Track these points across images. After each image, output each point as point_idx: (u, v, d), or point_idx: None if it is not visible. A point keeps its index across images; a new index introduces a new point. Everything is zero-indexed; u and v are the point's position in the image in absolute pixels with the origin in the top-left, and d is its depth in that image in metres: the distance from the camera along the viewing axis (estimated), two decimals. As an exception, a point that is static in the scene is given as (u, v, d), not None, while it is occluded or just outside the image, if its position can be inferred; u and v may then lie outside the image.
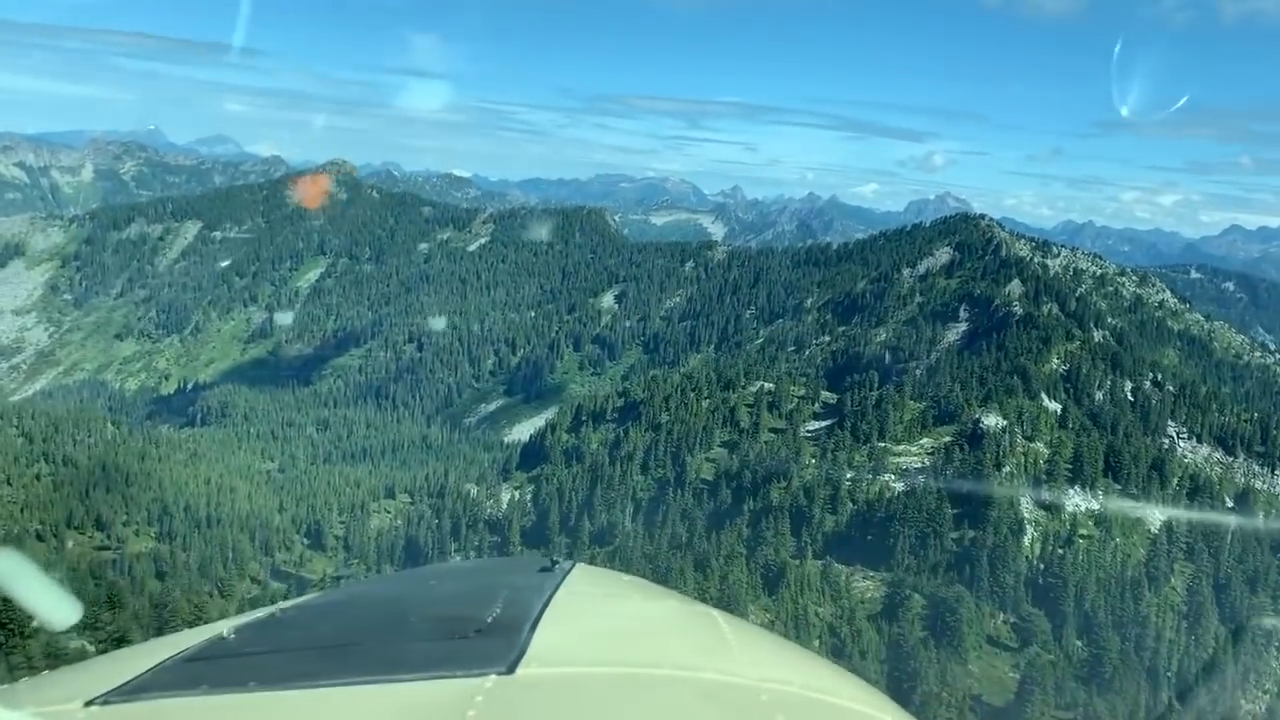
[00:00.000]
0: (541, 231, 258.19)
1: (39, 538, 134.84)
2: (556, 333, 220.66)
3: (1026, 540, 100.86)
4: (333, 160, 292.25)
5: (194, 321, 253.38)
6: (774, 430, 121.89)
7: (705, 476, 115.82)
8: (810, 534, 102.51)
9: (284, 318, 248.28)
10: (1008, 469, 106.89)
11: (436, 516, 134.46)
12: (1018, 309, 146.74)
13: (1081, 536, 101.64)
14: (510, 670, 1.99)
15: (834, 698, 2.20)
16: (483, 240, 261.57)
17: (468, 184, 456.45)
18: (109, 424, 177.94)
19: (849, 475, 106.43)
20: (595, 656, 2.21)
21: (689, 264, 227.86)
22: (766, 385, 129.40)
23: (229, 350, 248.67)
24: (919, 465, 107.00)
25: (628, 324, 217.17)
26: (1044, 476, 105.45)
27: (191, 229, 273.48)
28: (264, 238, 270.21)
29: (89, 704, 1.95)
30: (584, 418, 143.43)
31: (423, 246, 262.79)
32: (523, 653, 2.07)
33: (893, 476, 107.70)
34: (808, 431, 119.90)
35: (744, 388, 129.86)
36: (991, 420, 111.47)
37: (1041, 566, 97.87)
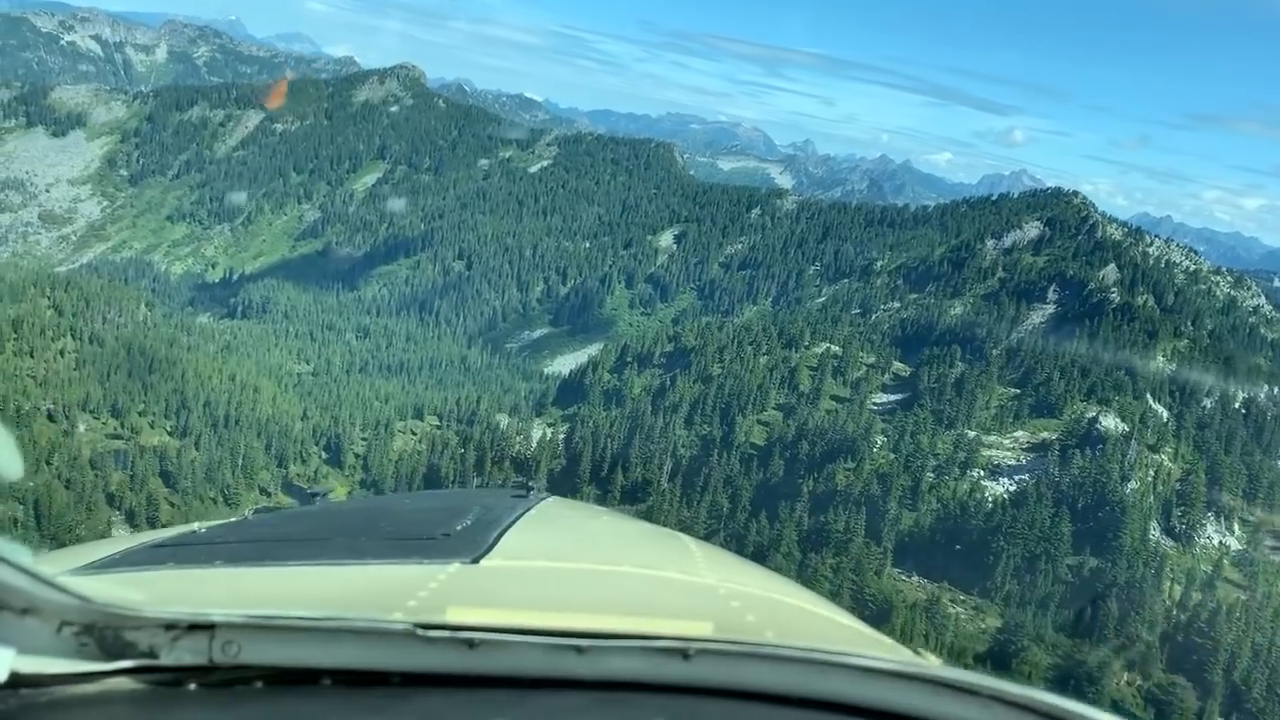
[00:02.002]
0: (606, 160, 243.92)
1: (50, 417, 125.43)
2: (610, 266, 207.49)
3: (1166, 582, 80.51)
4: (401, 64, 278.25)
5: (246, 212, 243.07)
6: (836, 399, 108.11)
7: (755, 440, 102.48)
8: (884, 533, 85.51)
9: (335, 219, 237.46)
10: (1134, 485, 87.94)
11: (463, 445, 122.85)
12: (1115, 296, 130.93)
13: (1227, 580, 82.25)
14: (474, 562, 1.99)
15: (792, 600, 2.19)
16: (545, 163, 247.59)
17: (537, 106, 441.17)
18: (142, 305, 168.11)
19: (931, 465, 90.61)
20: (559, 554, 2.22)
21: (755, 211, 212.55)
22: (833, 348, 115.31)
23: (278, 245, 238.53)
24: (1013, 462, 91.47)
25: (684, 266, 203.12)
26: (1175, 499, 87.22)
27: (253, 118, 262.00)
28: (325, 135, 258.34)
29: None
30: (629, 359, 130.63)
31: (483, 162, 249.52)
32: (489, 550, 2.06)
33: (983, 472, 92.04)
34: (875, 405, 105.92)
35: (808, 348, 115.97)
36: (1110, 422, 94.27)
37: (1181, 617, 76.81)
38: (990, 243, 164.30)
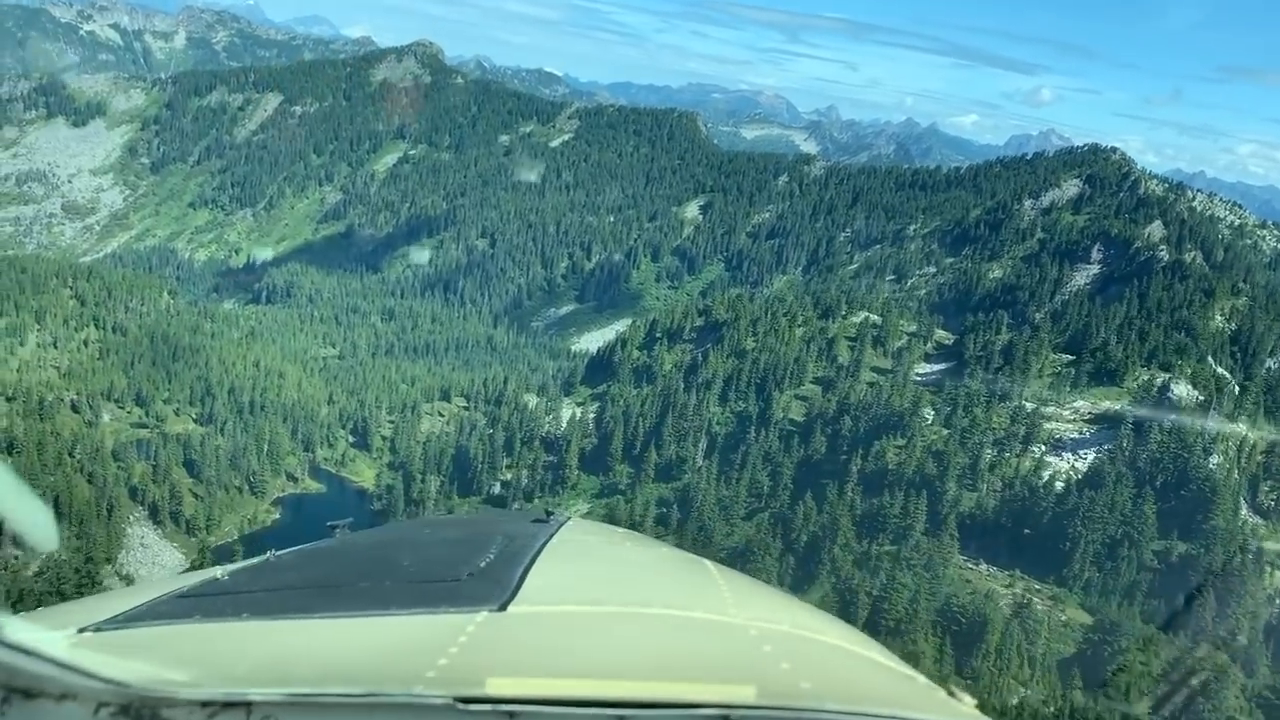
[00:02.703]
0: (628, 133, 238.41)
1: (74, 408, 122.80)
2: (635, 240, 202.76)
3: (1267, 576, 70.73)
4: (418, 40, 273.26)
5: (268, 196, 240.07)
6: (877, 370, 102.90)
7: (794, 417, 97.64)
8: (944, 517, 78.01)
9: (357, 201, 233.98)
10: (1217, 458, 78.53)
11: (491, 426, 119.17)
12: (1163, 254, 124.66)
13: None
14: (502, 609, 1.97)
15: (821, 635, 2.19)
16: (566, 136, 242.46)
17: (557, 81, 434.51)
18: (165, 293, 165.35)
19: (989, 440, 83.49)
20: (586, 597, 2.19)
21: (782, 178, 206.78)
22: (872, 317, 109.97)
23: (301, 229, 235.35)
24: (1076, 435, 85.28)
25: (711, 237, 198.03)
26: (1261, 472, 78.18)
27: (272, 101, 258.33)
28: (344, 116, 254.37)
29: (82, 630, 1.93)
30: (659, 334, 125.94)
31: (504, 138, 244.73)
32: (515, 593, 2.04)
33: (1044, 447, 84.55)
34: (918, 375, 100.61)
35: (845, 317, 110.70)
36: (1182, 390, 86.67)
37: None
38: (1028, 203, 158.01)
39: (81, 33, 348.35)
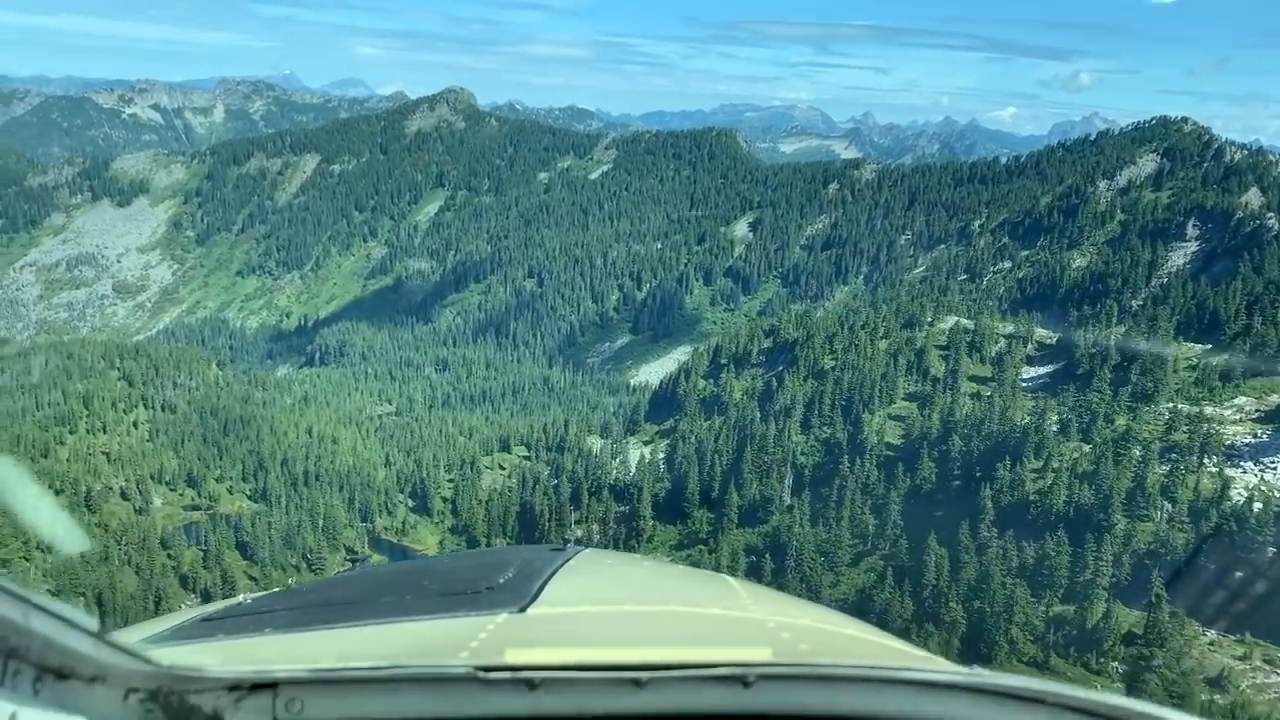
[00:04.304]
0: (667, 157, 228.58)
1: (123, 495, 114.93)
2: (685, 264, 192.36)
3: None
4: (450, 87, 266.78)
5: (314, 257, 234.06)
6: (976, 379, 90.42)
7: (891, 440, 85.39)
8: (1120, 558, 61.51)
9: (403, 253, 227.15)
10: None
11: (555, 477, 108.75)
12: (1274, 222, 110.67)
13: None
14: (522, 610, 1.97)
15: (839, 628, 2.17)
16: (605, 167, 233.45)
17: (590, 116, 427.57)
18: (213, 365, 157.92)
19: (1153, 455, 66.85)
20: (603, 599, 2.21)
21: (832, 186, 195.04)
22: (962, 321, 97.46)
23: (349, 286, 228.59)
24: (1251, 439, 69.92)
25: (764, 254, 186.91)
26: None
27: (310, 162, 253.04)
28: (382, 170, 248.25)
29: None
30: (724, 360, 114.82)
31: (543, 176, 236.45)
32: (534, 599, 2.05)
33: (1218, 458, 68.15)
34: (1025, 381, 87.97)
35: (931, 325, 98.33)
36: None
37: None
38: (1103, 184, 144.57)
39: (124, 116, 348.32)
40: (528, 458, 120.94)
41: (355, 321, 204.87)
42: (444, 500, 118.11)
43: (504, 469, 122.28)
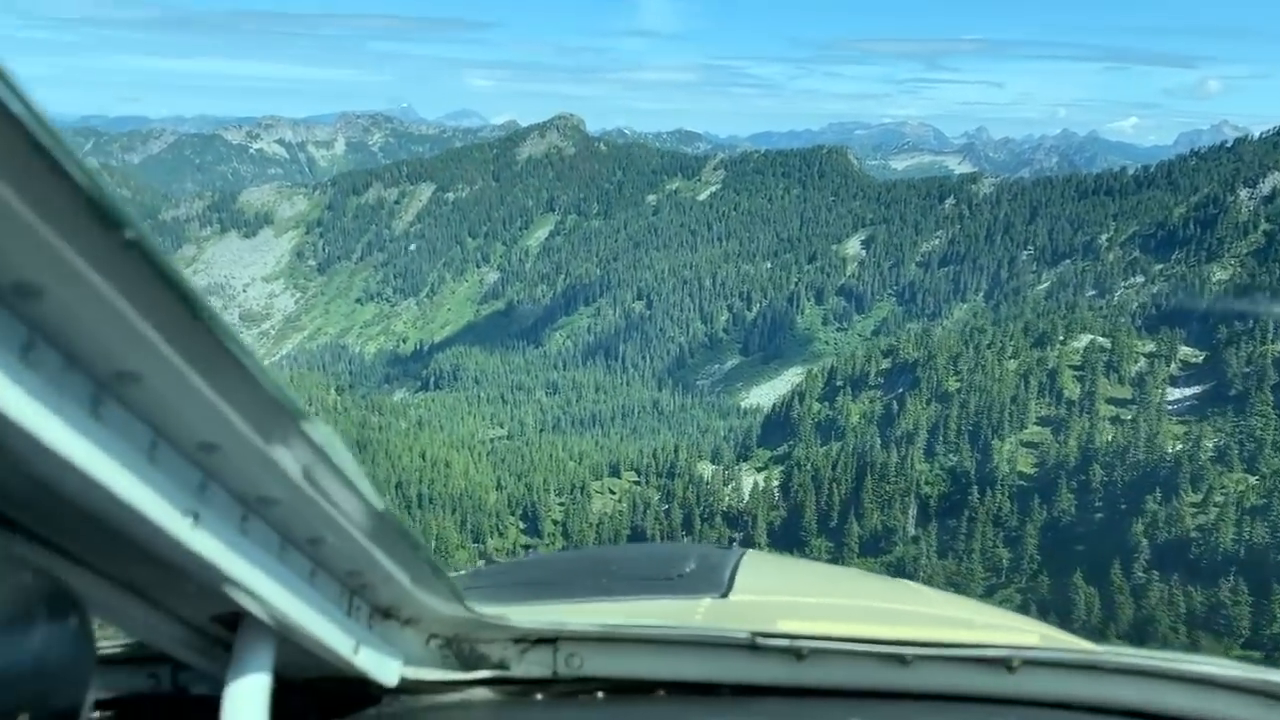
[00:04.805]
0: (776, 176, 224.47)
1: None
2: (796, 284, 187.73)
3: None
4: (560, 114, 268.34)
5: (429, 284, 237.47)
6: (1115, 402, 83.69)
7: (1024, 469, 79.50)
8: None
9: (514, 278, 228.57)
10: None
11: (666, 502, 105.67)
12: None
13: None
14: (724, 595, 2.00)
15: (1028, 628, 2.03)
16: (714, 188, 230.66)
17: (697, 139, 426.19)
18: (331, 390, 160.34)
19: None
20: (802, 590, 2.22)
21: (948, 201, 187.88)
22: (1098, 340, 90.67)
23: (463, 311, 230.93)
24: None
25: (877, 272, 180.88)
26: None
27: (426, 191, 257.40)
28: (494, 197, 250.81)
29: None
30: (839, 382, 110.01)
31: (651, 198, 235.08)
32: (730, 586, 2.06)
33: None
34: (1170, 404, 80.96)
35: (1064, 343, 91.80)
36: None
37: None
38: (1244, 192, 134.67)
39: (251, 151, 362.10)
40: (638, 483, 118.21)
41: (468, 346, 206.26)
42: (554, 524, 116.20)
43: (614, 493, 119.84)
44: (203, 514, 0.89)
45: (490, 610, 1.55)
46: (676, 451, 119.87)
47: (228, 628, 1.17)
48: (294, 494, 0.95)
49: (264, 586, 1.03)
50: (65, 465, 0.73)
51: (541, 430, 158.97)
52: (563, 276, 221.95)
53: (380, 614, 1.39)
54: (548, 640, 1.54)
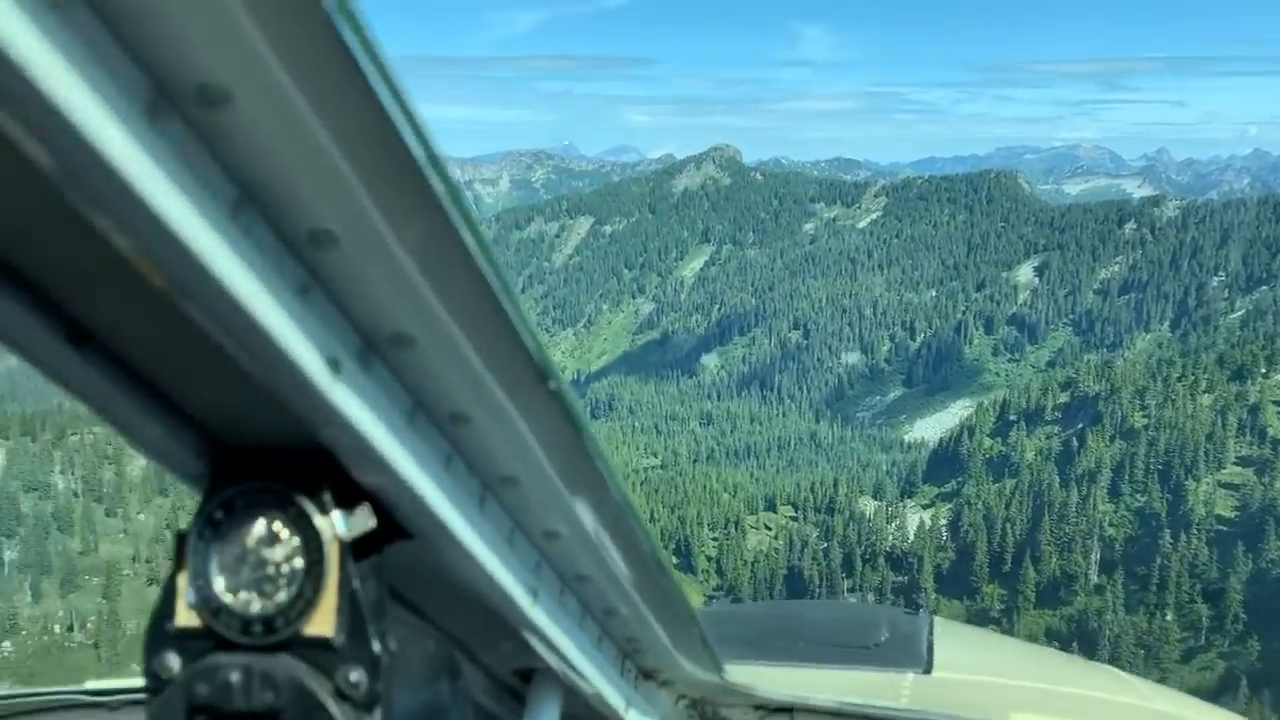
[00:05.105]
0: (941, 202, 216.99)
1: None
2: (963, 313, 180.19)
3: None
4: (715, 145, 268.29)
5: (587, 315, 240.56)
6: (1331, 441, 75.45)
7: (1222, 513, 72.36)
8: None
9: (669, 308, 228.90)
10: None
11: (825, 539, 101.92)
12: None
13: None
14: (926, 671, 2.01)
15: None
16: (874, 215, 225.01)
17: (857, 166, 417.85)
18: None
19: None
20: (1003, 671, 2.23)
21: (1128, 226, 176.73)
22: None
23: (619, 341, 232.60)
24: None
25: (1051, 300, 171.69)
26: None
27: (584, 224, 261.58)
28: (650, 229, 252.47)
29: None
30: (1012, 416, 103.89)
31: (808, 226, 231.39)
32: (930, 661, 2.06)
33: None
34: (1400, 445, 72.33)
35: (1266, 376, 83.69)
36: None
37: None
38: None
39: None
40: (795, 518, 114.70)
41: (624, 376, 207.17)
42: (708, 559, 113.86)
43: (769, 529, 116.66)
44: (539, 590, 1.03)
45: (739, 678, 1.57)
46: (836, 486, 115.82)
47: (522, 679, 1.30)
48: (603, 573, 1.09)
49: (567, 649, 1.16)
50: (460, 549, 0.87)
51: (695, 461, 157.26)
52: (717, 306, 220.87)
53: (644, 675, 1.46)
54: (785, 710, 1.56)
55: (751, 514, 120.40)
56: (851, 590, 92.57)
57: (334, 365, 0.70)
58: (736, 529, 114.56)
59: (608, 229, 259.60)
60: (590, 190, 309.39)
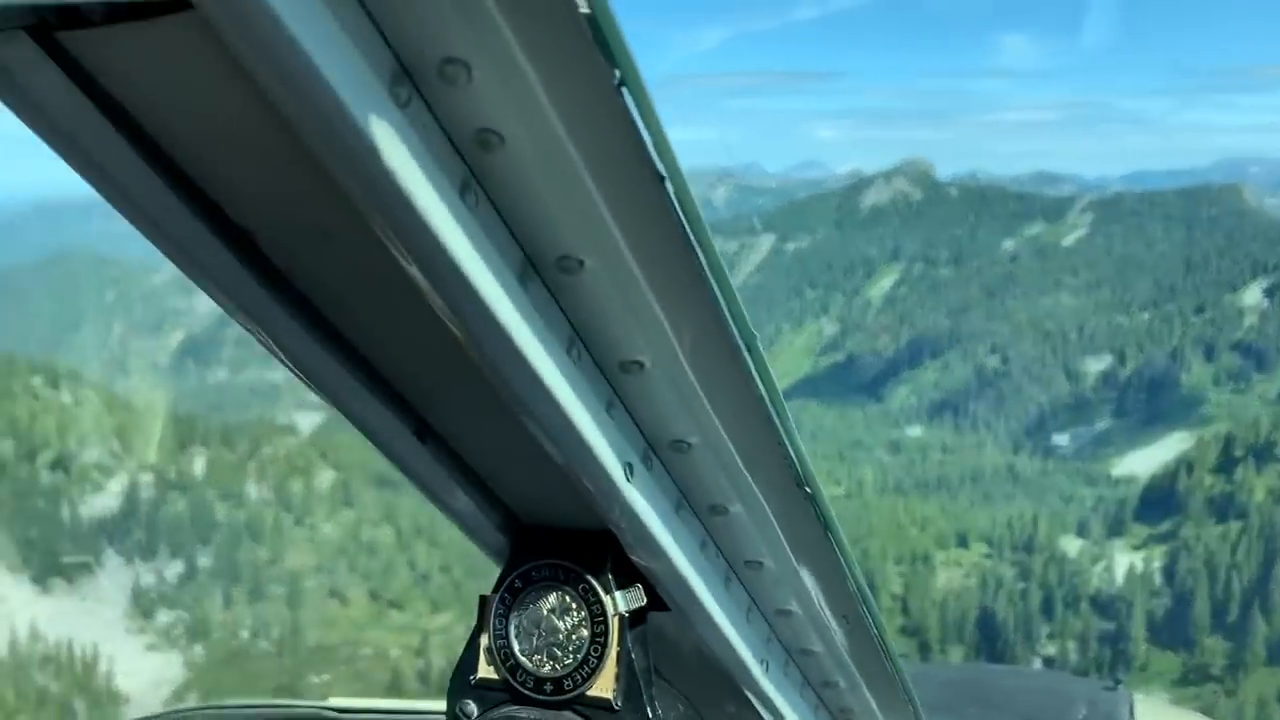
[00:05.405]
0: (1155, 217, 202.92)
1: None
2: (1180, 338, 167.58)
3: None
4: (906, 159, 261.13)
5: (767, 335, 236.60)
6: None
7: None
8: None
9: (855, 330, 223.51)
10: None
11: (1022, 580, 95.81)
12: None
13: None
14: None
15: None
16: (1080, 232, 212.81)
17: (1061, 180, 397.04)
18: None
19: None
20: None
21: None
22: None
23: (800, 363, 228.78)
24: None
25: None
26: None
27: (765, 242, 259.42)
28: (835, 246, 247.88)
29: None
30: (1238, 452, 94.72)
31: (1007, 244, 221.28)
32: None
33: None
34: None
35: None
36: None
37: None
38: None
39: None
40: (989, 556, 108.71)
41: (805, 399, 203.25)
42: (892, 597, 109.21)
43: (961, 567, 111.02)
44: (769, 662, 1.15)
45: None
46: (1035, 523, 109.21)
47: None
48: (828, 649, 1.18)
49: (788, 716, 1.25)
50: (707, 621, 1.03)
51: (881, 492, 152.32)
52: (907, 328, 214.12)
53: None
54: None
55: (941, 550, 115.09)
56: (1051, 637, 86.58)
57: (629, 469, 0.87)
58: (925, 565, 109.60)
59: (790, 246, 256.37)
60: (773, 207, 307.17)
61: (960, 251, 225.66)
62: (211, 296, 0.79)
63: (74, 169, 0.70)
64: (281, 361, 0.86)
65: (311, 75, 0.53)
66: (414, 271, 0.66)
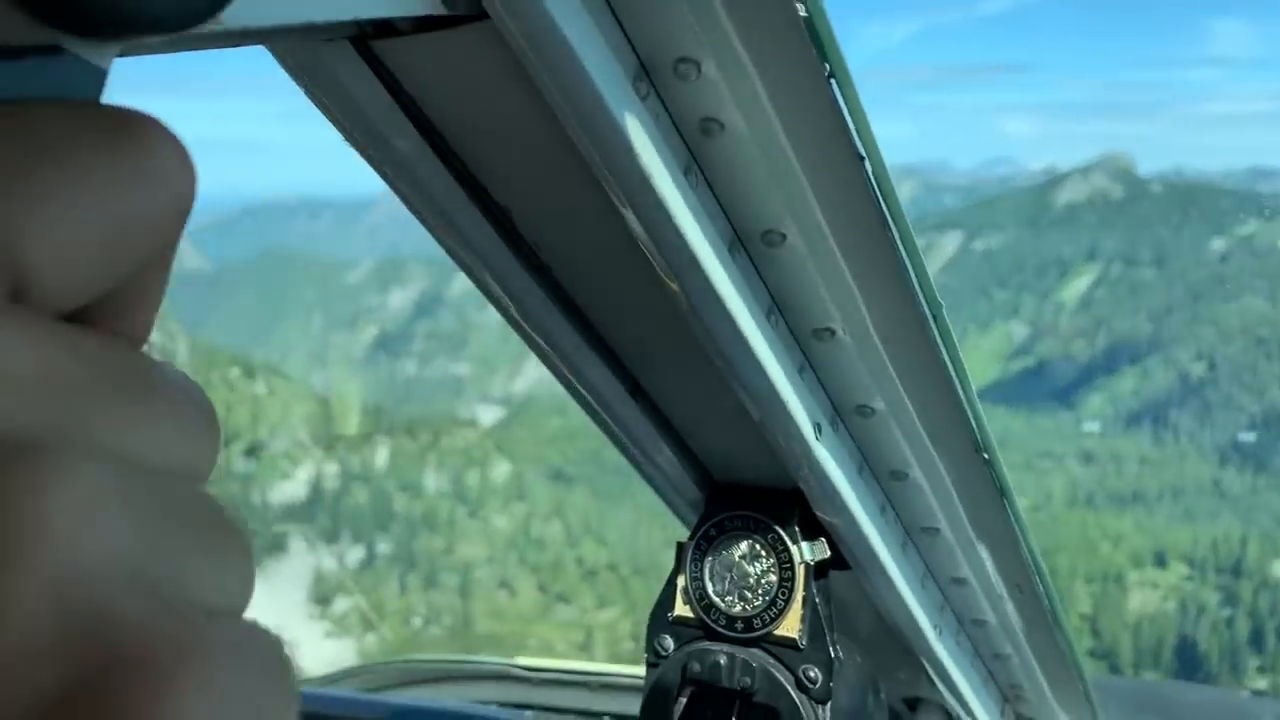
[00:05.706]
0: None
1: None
2: None
3: None
4: (1105, 154, 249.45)
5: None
6: None
7: None
8: None
9: (1047, 333, 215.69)
10: None
11: (1227, 606, 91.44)
12: None
13: None
14: None
15: None
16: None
17: (1278, 176, 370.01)
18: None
19: None
20: None
21: None
22: None
23: (988, 368, 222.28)
24: None
25: None
26: None
27: (952, 241, 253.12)
28: (1027, 246, 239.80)
29: None
30: None
31: (1217, 243, 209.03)
32: None
33: None
34: None
35: None
36: None
37: None
38: None
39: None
40: (1190, 578, 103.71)
41: (993, 405, 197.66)
42: (1081, 617, 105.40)
43: (1158, 588, 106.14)
44: (943, 629, 1.21)
45: None
46: (1244, 544, 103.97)
47: (909, 707, 1.45)
48: (1000, 620, 1.24)
49: (959, 684, 1.30)
50: (884, 582, 1.12)
51: (1072, 505, 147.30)
52: (1104, 332, 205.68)
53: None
54: None
55: (1136, 569, 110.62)
56: (1261, 671, 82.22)
57: (818, 428, 0.94)
58: (1117, 585, 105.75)
59: (979, 245, 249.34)
60: (961, 205, 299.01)
61: (1163, 251, 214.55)
62: (468, 271, 0.89)
63: (365, 154, 0.79)
64: (520, 329, 0.95)
65: (577, 73, 0.63)
66: (643, 241, 0.76)
